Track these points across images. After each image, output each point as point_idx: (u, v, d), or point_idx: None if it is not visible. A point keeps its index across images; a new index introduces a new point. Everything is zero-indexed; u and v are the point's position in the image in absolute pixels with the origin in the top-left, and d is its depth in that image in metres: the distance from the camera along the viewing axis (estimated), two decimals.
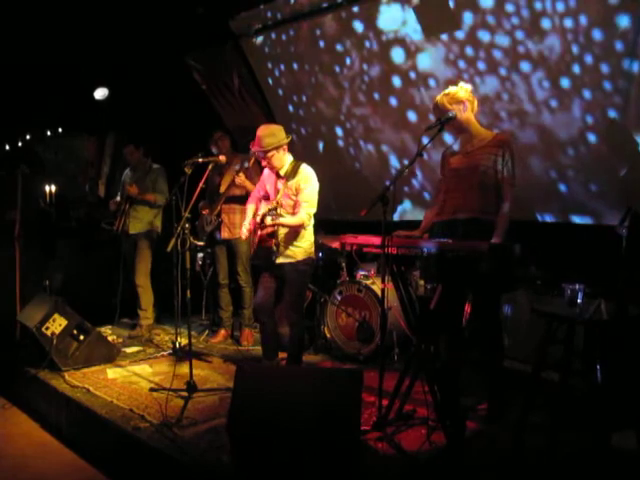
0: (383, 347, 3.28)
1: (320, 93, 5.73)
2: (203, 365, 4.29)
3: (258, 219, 3.69)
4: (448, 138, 4.51)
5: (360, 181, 5.86)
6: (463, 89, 3.21)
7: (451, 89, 3.22)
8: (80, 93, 6.08)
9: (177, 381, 3.72)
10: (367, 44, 5.10)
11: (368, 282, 4.46)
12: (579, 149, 4.26)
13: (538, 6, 4.02)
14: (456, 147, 3.36)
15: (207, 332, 5.23)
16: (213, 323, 5.44)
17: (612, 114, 4.02)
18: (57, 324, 4.13)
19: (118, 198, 5.26)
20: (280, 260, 3.71)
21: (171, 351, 4.54)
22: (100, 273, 6.07)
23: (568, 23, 3.95)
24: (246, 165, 4.43)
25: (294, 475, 2.47)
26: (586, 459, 2.73)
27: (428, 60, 4.79)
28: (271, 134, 3.65)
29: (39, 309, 4.25)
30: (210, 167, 3.96)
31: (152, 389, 3.74)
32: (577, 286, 2.78)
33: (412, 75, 4.96)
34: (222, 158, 4.08)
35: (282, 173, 3.74)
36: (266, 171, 3.89)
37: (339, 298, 4.59)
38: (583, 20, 3.88)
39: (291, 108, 6.11)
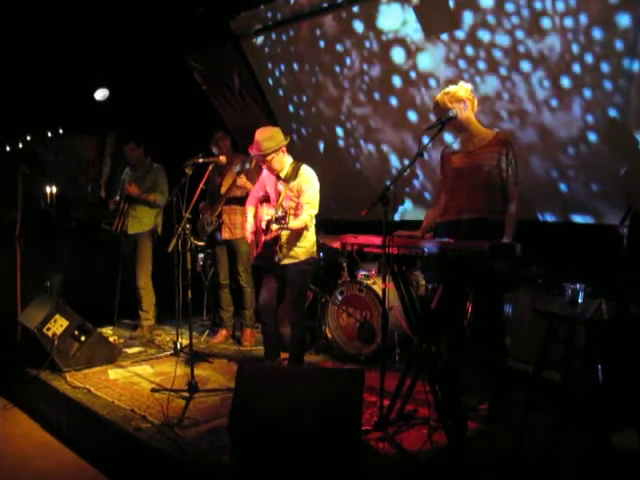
0: (384, 347, 3.27)
1: (320, 93, 5.73)
2: (204, 365, 4.29)
3: (263, 225, 3.68)
4: (449, 138, 4.52)
5: (361, 181, 5.86)
6: (463, 88, 3.21)
7: (451, 88, 3.23)
8: (80, 93, 6.07)
9: (178, 381, 3.72)
10: (367, 44, 5.10)
11: (369, 282, 4.46)
12: (579, 148, 4.26)
13: (538, 5, 4.02)
14: (456, 146, 3.36)
15: (208, 332, 5.23)
16: (214, 323, 5.45)
17: (612, 113, 4.02)
18: (58, 325, 4.13)
19: (117, 197, 5.24)
20: (284, 261, 3.71)
21: (172, 352, 4.54)
22: (101, 273, 6.07)
23: (568, 22, 3.95)
24: (247, 166, 4.43)
25: (295, 475, 2.47)
26: (587, 459, 2.73)
27: (428, 60, 4.79)
28: (269, 137, 3.64)
29: (40, 310, 4.25)
30: (210, 167, 3.96)
31: (153, 390, 3.74)
32: (578, 286, 2.78)
33: (412, 75, 4.96)
34: (222, 159, 4.07)
35: (282, 175, 3.73)
36: (265, 172, 3.88)
37: (340, 298, 4.60)
38: (583, 19, 3.88)
39: (291, 108, 6.11)
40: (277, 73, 5.98)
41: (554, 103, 4.25)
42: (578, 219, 4.48)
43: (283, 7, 5.41)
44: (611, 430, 2.77)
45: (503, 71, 4.41)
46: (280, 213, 3.48)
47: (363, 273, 4.73)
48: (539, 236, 4.38)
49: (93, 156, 7.11)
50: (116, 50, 5.82)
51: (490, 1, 4.24)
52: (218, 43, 6.02)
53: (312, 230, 3.81)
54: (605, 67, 3.91)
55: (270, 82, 6.11)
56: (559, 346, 2.80)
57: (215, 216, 4.77)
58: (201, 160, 3.88)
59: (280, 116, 6.18)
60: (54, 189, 6.55)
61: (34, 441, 3.61)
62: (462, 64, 4.60)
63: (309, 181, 3.68)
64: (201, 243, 4.73)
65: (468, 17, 4.39)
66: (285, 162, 3.74)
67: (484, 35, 4.37)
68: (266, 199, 3.85)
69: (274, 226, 3.51)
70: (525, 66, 4.27)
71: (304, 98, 5.94)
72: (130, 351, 4.67)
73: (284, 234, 3.67)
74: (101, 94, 6.10)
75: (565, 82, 4.13)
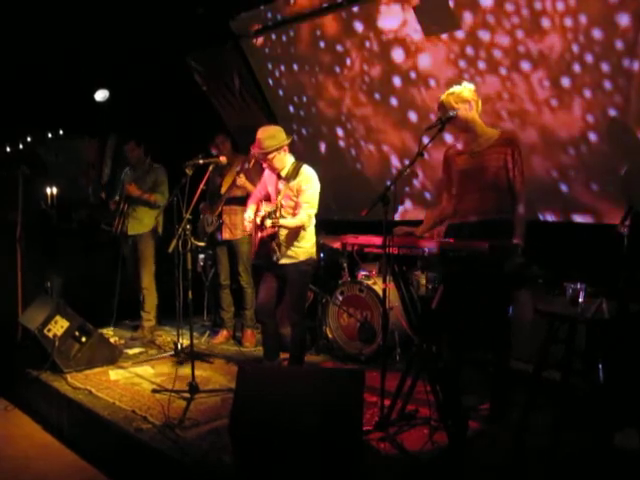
0: (385, 347, 3.27)
1: (321, 93, 5.74)
2: (205, 366, 4.29)
3: (258, 220, 3.69)
4: (449, 138, 4.52)
5: (361, 181, 5.86)
6: (467, 89, 3.21)
7: (455, 88, 3.22)
8: (81, 94, 6.07)
9: (179, 382, 3.73)
10: (367, 44, 5.10)
11: (369, 282, 4.45)
12: (580, 148, 4.26)
13: (538, 5, 4.02)
14: (459, 146, 3.35)
15: (209, 333, 5.23)
16: (215, 324, 5.45)
17: (613, 113, 4.01)
18: (59, 326, 4.13)
19: (117, 198, 5.21)
20: (282, 260, 3.71)
21: (173, 352, 4.54)
22: (101, 275, 6.07)
23: (568, 22, 3.94)
24: (247, 166, 4.43)
25: (296, 476, 2.47)
26: (588, 459, 2.73)
27: (428, 60, 4.79)
28: (271, 136, 3.64)
29: (41, 311, 4.25)
30: (211, 168, 3.96)
31: (154, 390, 3.74)
32: (579, 285, 2.78)
33: (412, 75, 4.96)
34: (223, 159, 4.08)
35: (283, 174, 3.74)
36: (267, 172, 3.89)
37: (340, 298, 4.59)
38: (583, 19, 3.88)
39: (292, 109, 6.11)
40: (277, 73, 5.98)
41: (554, 103, 4.24)
42: (578, 219, 4.48)
43: (283, 7, 5.41)
44: (612, 430, 2.78)
45: (503, 71, 4.41)
46: (270, 208, 3.49)
47: (363, 273, 4.73)
48: (540, 236, 4.37)
49: (94, 158, 7.11)
50: (116, 51, 5.82)
51: (490, 1, 4.24)
52: (218, 43, 6.02)
53: (311, 230, 3.80)
54: (605, 67, 3.91)
55: (270, 82, 6.11)
56: (560, 346, 2.80)
57: (215, 216, 4.77)
58: (201, 161, 3.88)
59: (280, 116, 6.18)
60: (55, 190, 6.55)
61: (35, 442, 3.62)
62: (462, 64, 4.60)
63: (309, 181, 3.68)
64: (201, 244, 4.73)
65: (468, 17, 4.39)
66: (286, 161, 3.74)
67: (484, 35, 4.37)
68: (267, 198, 3.85)
69: (268, 222, 3.52)
70: (525, 66, 4.27)
71: (304, 98, 5.94)
72: (131, 352, 4.67)
73: (282, 233, 3.67)
74: (101, 95, 6.10)
75: (565, 82, 4.13)
